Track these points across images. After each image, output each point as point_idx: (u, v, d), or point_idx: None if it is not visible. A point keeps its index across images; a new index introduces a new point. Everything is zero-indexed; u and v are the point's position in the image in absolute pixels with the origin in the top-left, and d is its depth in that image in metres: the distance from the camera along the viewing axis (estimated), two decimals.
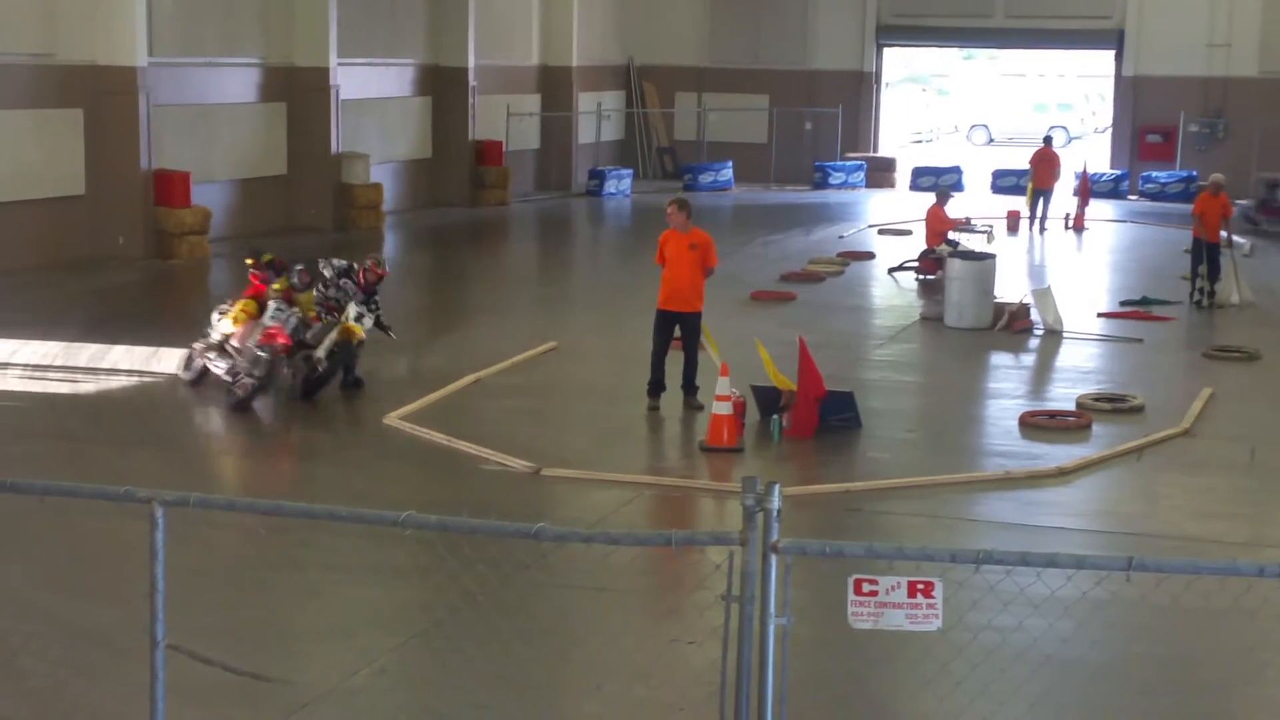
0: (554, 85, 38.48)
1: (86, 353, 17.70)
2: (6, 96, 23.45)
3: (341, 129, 30.20)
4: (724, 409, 14.01)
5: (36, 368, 16.98)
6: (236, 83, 28.54)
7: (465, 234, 31.14)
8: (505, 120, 36.53)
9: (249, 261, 16.42)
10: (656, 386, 15.43)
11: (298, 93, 29.49)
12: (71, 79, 24.38)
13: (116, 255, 24.81)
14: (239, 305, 15.80)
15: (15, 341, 18.06)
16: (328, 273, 15.99)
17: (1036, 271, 26.45)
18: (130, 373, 16.89)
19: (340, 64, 29.93)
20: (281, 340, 15.13)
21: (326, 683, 8.64)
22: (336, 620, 9.76)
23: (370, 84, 31.99)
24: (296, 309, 15.45)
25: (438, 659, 8.96)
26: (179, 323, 19.84)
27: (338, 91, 29.87)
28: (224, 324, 15.71)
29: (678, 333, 15.50)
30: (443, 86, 34.23)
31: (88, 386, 16.32)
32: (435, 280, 25.92)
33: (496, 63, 35.96)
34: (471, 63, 34.31)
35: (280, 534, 10.59)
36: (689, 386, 15.47)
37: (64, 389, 16.22)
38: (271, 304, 15.41)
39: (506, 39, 36.82)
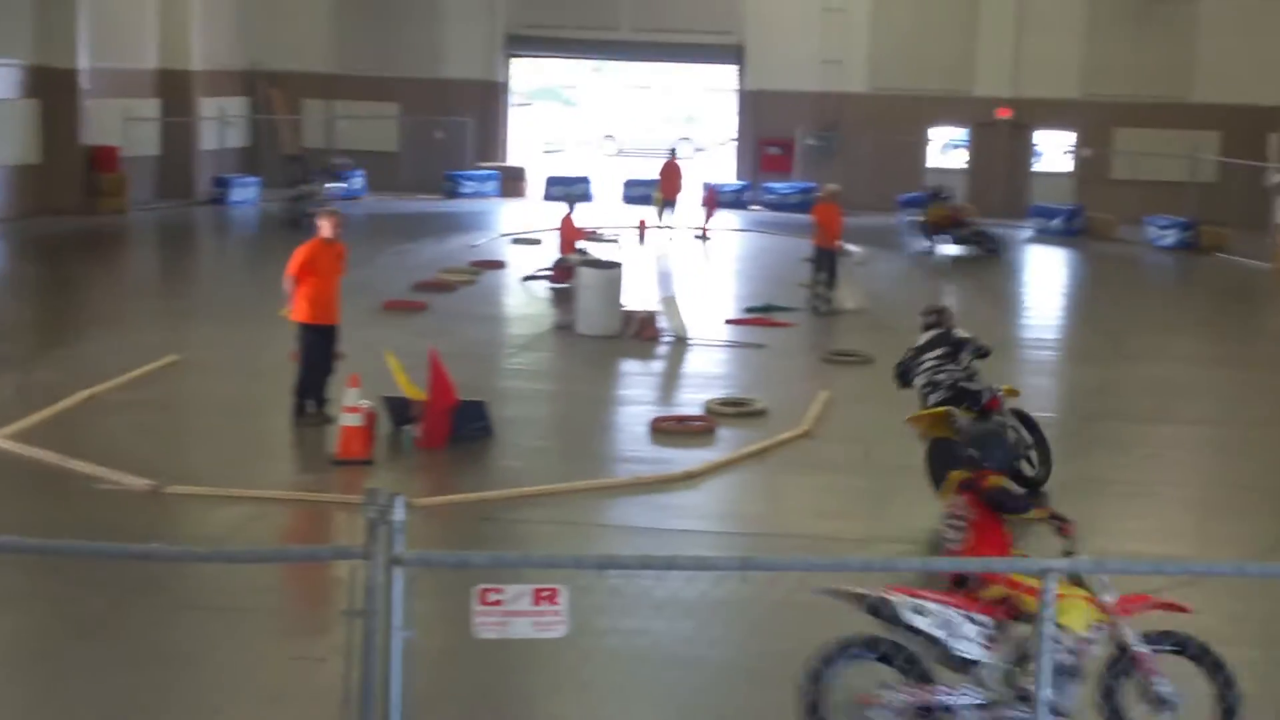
0: (174, 89, 37.25)
1: None
2: None
3: None
4: (354, 420, 13.84)
5: None
6: None
7: (78, 243, 29.88)
8: (122, 125, 35.19)
9: None
10: (306, 399, 15.21)
11: None
12: None
13: None
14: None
15: None
16: None
17: (664, 280, 26.97)
18: None
19: None
20: None
21: None
22: None
23: None
24: None
25: (48, 690, 8.55)
26: None
27: None
28: None
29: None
30: (51, 89, 32.67)
31: None
32: (45, 292, 24.71)
33: (111, 65, 34.59)
34: (83, 65, 32.93)
35: None
36: (322, 398, 15.23)
37: None
38: None
39: (122, 41, 35.46)
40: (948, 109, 39.60)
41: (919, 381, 13.95)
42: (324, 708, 7.85)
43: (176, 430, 15.56)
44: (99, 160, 33.71)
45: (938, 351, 13.99)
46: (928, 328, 14.32)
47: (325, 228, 15.18)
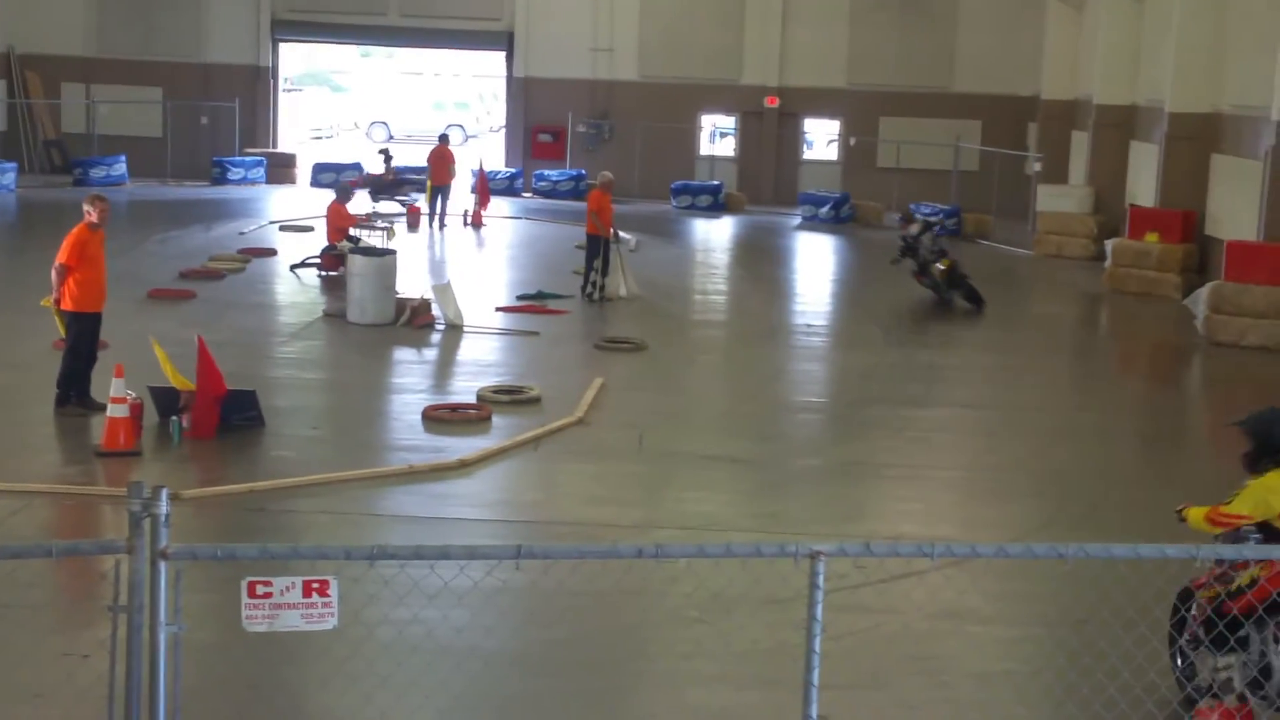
0: None
1: None
2: None
3: None
4: (120, 411, 13.58)
5: None
6: None
7: None
8: None
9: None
10: (75, 392, 14.90)
11: None
12: None
13: None
14: None
15: None
16: None
17: (437, 267, 26.97)
18: None
19: None
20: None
21: None
22: None
23: None
24: None
25: None
26: None
27: None
28: None
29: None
30: None
31: None
32: None
33: None
34: None
35: None
36: (85, 388, 14.93)
37: None
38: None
39: None
40: (717, 97, 40.18)
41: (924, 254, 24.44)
42: (89, 705, 7.74)
43: None
44: None
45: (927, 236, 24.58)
46: (911, 222, 25.75)
47: (93, 214, 14.84)
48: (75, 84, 40.37)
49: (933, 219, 27.85)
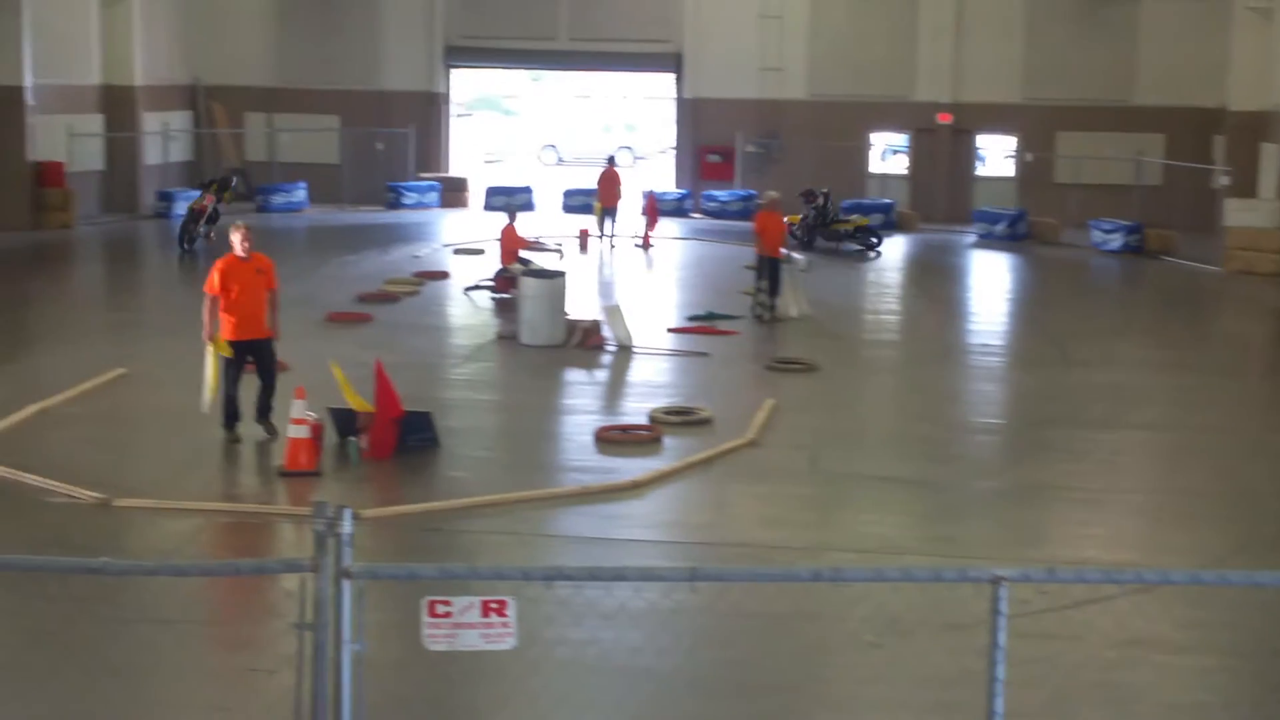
0: (118, 105, 37.10)
1: None
2: None
3: None
4: (300, 432, 13.85)
5: None
6: None
7: (26, 258, 29.69)
8: (66, 140, 35.02)
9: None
10: (232, 418, 15.02)
11: None
12: None
13: None
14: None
15: None
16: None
17: (607, 289, 27.11)
18: None
19: None
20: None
21: None
22: None
23: None
24: None
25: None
26: None
27: None
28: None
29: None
30: None
31: None
32: None
33: (56, 81, 34.43)
34: (28, 81, 32.76)
35: None
36: (265, 412, 15.14)
37: None
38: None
39: (65, 57, 35.29)
40: (888, 114, 39.85)
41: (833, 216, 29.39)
42: (274, 719, 7.89)
43: (125, 443, 15.53)
44: (45, 176, 33.60)
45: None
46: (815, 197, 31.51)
47: (234, 242, 15.08)
48: (258, 113, 41.39)
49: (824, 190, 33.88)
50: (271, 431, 14.99)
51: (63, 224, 33.46)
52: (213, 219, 30.38)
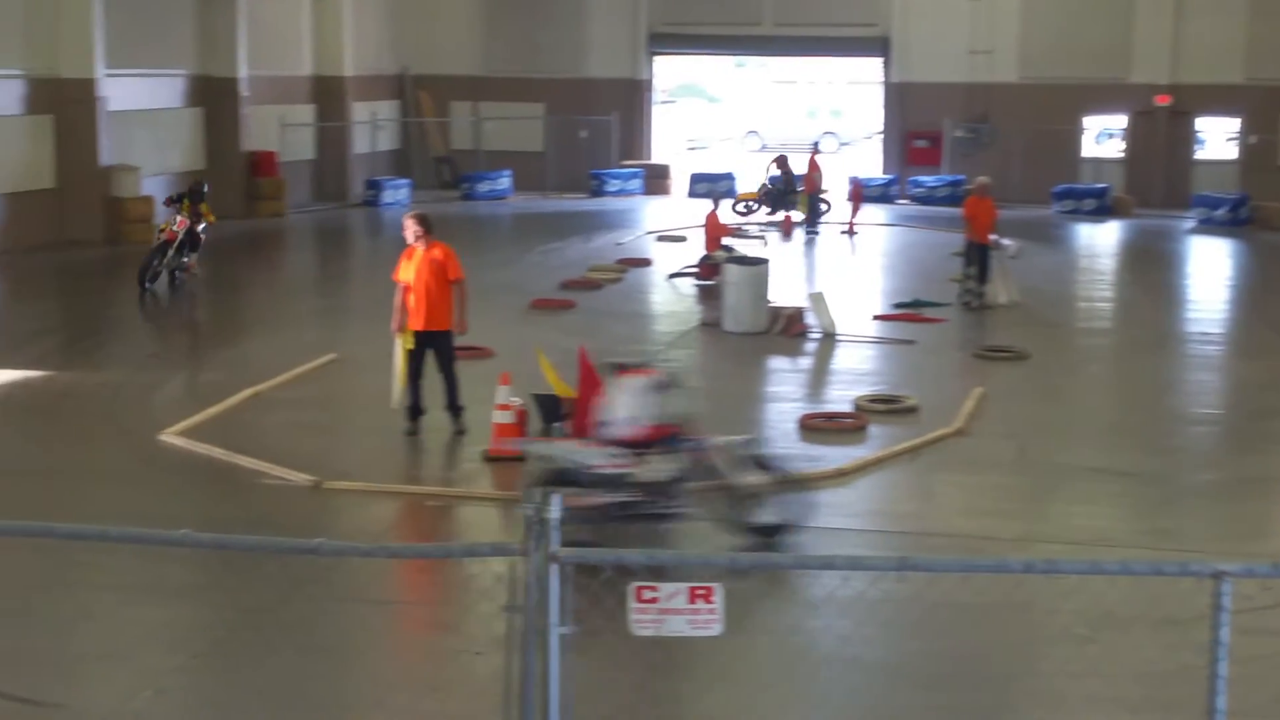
0: (328, 95, 38.01)
1: None
2: None
3: (110, 141, 29.42)
4: (506, 417, 13.98)
5: None
6: (0, 95, 27.64)
7: (240, 246, 30.54)
8: (279, 131, 35.97)
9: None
10: (415, 410, 14.94)
11: (64, 104, 28.67)
12: None
13: None
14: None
15: None
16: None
17: (811, 275, 26.93)
18: None
19: (108, 75, 29.17)
20: (173, 238, 23.05)
21: (105, 706, 8.42)
22: (112, 641, 9.51)
23: (140, 95, 31.22)
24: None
25: (219, 678, 8.79)
26: None
27: (105, 103, 29.10)
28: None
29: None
30: (214, 97, 33.57)
31: None
32: (210, 293, 25.33)
33: (269, 73, 35.39)
34: (243, 73, 33.71)
35: (51, 555, 10.26)
36: (454, 408, 14.99)
37: None
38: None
39: (278, 49, 36.26)
40: (1103, 97, 38.86)
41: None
42: (484, 700, 7.98)
43: (335, 427, 15.86)
44: (258, 165, 34.53)
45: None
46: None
47: (405, 231, 14.97)
48: (463, 102, 42.03)
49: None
50: (460, 429, 14.96)
51: (274, 212, 34.37)
52: (194, 245, 23.93)
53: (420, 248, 14.76)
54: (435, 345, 14.83)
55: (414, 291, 14.72)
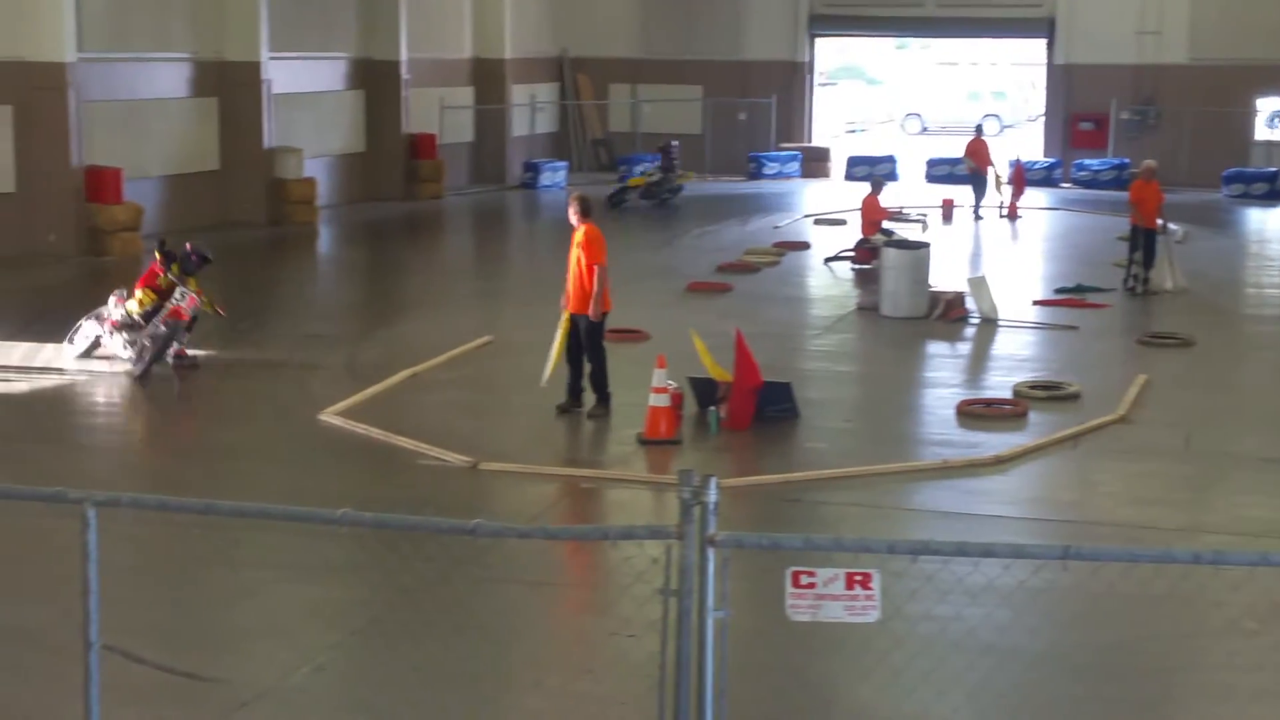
0: (487, 78, 38.34)
1: (18, 352, 17.48)
2: None
3: (274, 123, 29.97)
4: (661, 401, 13.98)
5: None
6: (167, 78, 28.27)
7: (399, 228, 30.97)
8: (439, 113, 36.37)
9: (158, 254, 17.12)
10: (572, 390, 15.02)
11: (229, 87, 29.25)
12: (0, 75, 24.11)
13: (48, 253, 24.53)
14: (142, 292, 16.77)
15: None
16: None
17: (972, 260, 26.57)
18: (62, 371, 16.70)
19: (272, 58, 29.70)
20: (184, 318, 16.64)
21: (265, 681, 8.57)
22: (273, 618, 9.69)
23: (302, 78, 31.75)
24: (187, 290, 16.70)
25: (376, 656, 8.90)
26: None
27: (269, 86, 29.64)
28: (129, 304, 16.72)
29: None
30: (375, 80, 34.02)
31: (20, 386, 16.11)
32: (370, 274, 25.76)
33: (429, 56, 35.78)
34: (404, 56, 34.11)
35: (214, 533, 10.48)
36: (594, 389, 14.96)
37: None
38: (179, 288, 16.68)
39: (439, 32, 36.65)
40: (1275, 79, 37.76)
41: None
42: (638, 682, 7.98)
43: (490, 408, 15.98)
44: (418, 148, 34.91)
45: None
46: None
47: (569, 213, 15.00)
48: (621, 84, 42.13)
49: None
50: (592, 412, 14.89)
51: (433, 194, 34.75)
52: (189, 326, 16.84)
53: (578, 229, 14.85)
54: (580, 326, 14.92)
55: (568, 272, 14.85)
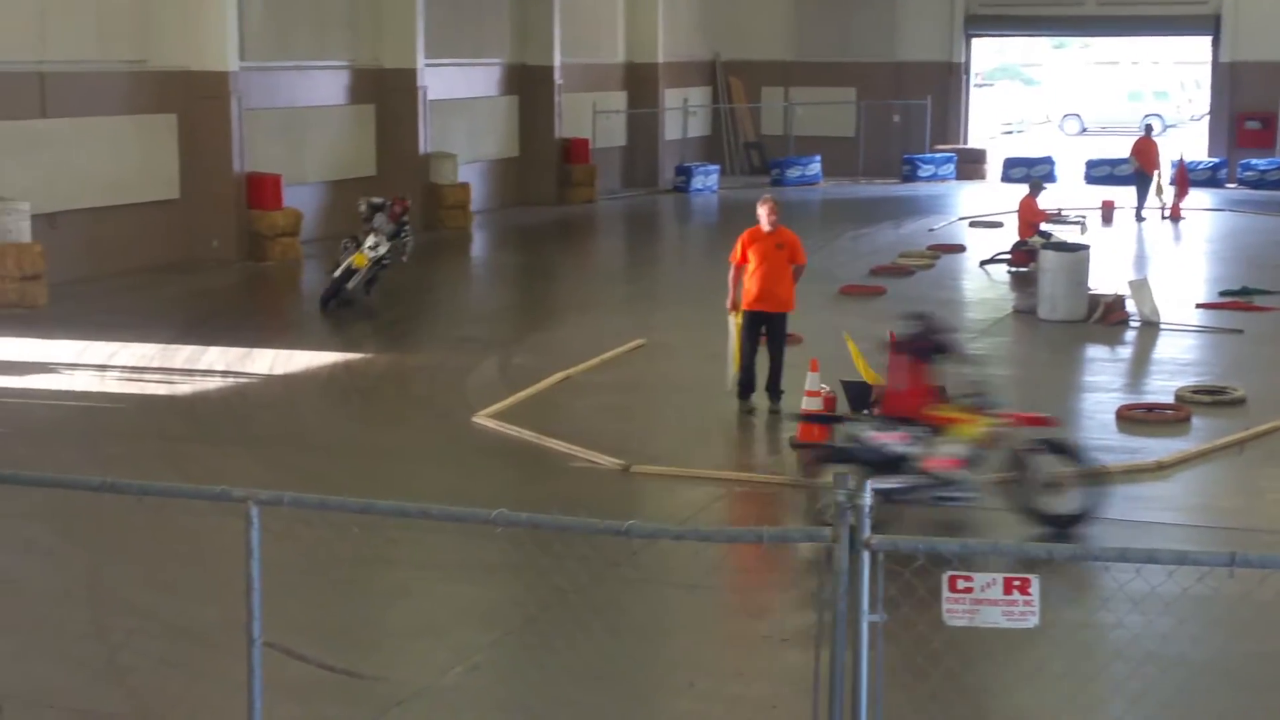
0: (640, 82, 38.49)
1: (183, 354, 17.91)
2: (103, 103, 23.76)
3: (429, 129, 30.37)
4: (813, 404, 13.90)
5: (134, 369, 17.18)
6: (326, 85, 28.78)
7: (552, 232, 31.19)
8: (591, 118, 36.57)
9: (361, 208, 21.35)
10: (747, 388, 15.24)
11: (386, 94, 29.70)
12: (165, 85, 24.68)
13: (211, 258, 25.09)
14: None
15: (114, 344, 18.29)
16: (363, 209, 21.26)
17: (1133, 262, 26.08)
18: (225, 373, 17.07)
19: (427, 65, 30.10)
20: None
21: (421, 680, 8.67)
22: (429, 617, 9.79)
23: (457, 84, 32.14)
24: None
25: (531, 655, 8.95)
26: (272, 324, 20.03)
27: (425, 92, 30.04)
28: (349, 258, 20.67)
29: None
30: (529, 85, 34.33)
31: (184, 387, 16.50)
32: (523, 278, 25.98)
33: (582, 61, 36.02)
34: (557, 61, 34.38)
35: (372, 532, 10.62)
36: (774, 391, 15.20)
37: (161, 390, 16.42)
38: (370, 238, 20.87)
39: (592, 37, 36.87)
40: None
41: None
42: (790, 687, 7.94)
43: (642, 411, 16.01)
44: (571, 152, 35.14)
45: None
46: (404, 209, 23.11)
47: (760, 215, 15.22)
48: (774, 88, 42.02)
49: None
50: (776, 409, 15.06)
51: (586, 199, 34.94)
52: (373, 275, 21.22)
53: (768, 231, 15.06)
54: (772, 326, 15.14)
55: (759, 274, 15.02)
